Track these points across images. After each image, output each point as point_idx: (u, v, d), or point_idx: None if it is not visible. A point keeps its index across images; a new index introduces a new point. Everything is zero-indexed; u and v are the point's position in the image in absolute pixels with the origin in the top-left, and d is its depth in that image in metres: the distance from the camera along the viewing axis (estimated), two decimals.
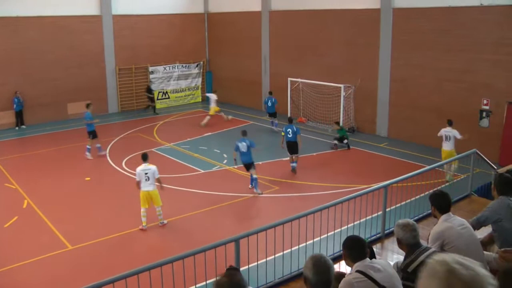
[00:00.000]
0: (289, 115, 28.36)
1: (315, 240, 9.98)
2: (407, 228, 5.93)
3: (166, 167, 21.36)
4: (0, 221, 16.34)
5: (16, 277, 12.78)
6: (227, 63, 35.06)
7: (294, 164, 20.25)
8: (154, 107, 33.55)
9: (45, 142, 26.09)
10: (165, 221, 15.64)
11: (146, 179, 15.13)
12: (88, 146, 23.15)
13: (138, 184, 15.30)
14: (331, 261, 4.60)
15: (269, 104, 27.26)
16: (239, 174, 20.23)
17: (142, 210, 15.26)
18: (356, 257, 5.30)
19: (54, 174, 21.04)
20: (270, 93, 28.41)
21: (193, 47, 35.97)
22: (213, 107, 28.42)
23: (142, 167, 15.23)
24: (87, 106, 23.48)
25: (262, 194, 17.97)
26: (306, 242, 9.52)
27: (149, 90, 33.58)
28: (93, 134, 23.23)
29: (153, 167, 15.27)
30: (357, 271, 5.17)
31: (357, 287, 5.04)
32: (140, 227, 15.29)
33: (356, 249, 5.33)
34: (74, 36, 31.06)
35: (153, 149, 24.11)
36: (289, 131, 19.96)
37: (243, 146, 18.13)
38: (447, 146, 18.25)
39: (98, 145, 23.51)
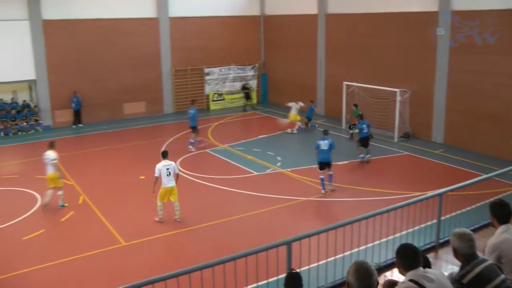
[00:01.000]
0: (343, 119, 28.24)
1: (367, 246, 9.94)
2: (464, 237, 5.77)
3: (220, 168, 21.61)
4: (57, 215, 16.91)
5: (70, 270, 13.13)
6: (282, 66, 35.08)
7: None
8: (250, 104, 35.06)
9: (101, 141, 26.74)
10: (162, 218, 16.11)
11: (167, 174, 15.69)
12: (191, 140, 24.85)
13: (156, 179, 15.80)
14: (373, 268, 4.59)
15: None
16: (292, 177, 20.26)
17: (159, 204, 15.93)
18: (410, 265, 5.19)
19: (109, 172, 21.54)
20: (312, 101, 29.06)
21: (248, 49, 36.17)
22: (293, 115, 28.21)
23: (163, 163, 15.83)
24: (192, 102, 26.08)
25: (335, 190, 18.47)
26: (359, 247, 9.51)
27: (244, 87, 34.96)
28: (195, 129, 24.74)
29: (173, 163, 16.00)
30: (410, 280, 5.07)
31: None
32: (157, 219, 15.99)
33: (409, 257, 5.22)
34: (131, 38, 31.73)
35: (207, 150, 24.39)
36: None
37: (324, 144, 18.31)
38: None
39: (198, 139, 25.18)
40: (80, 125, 30.43)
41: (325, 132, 18.95)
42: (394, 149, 24.26)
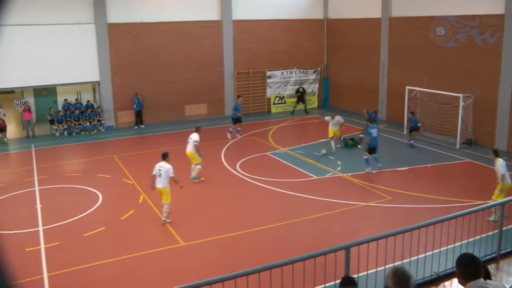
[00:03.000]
0: (405, 124, 27.76)
1: (427, 254, 9.77)
2: None
3: (280, 171, 21.59)
4: (118, 213, 17.25)
5: (129, 267, 13.39)
6: (344, 70, 34.80)
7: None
8: (305, 108, 35.24)
9: (162, 142, 27.04)
10: (169, 220, 16.23)
11: (159, 175, 16.00)
12: (231, 129, 27.72)
13: (152, 178, 16.17)
14: (410, 273, 4.62)
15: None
16: (352, 182, 20.09)
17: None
18: (470, 276, 5.07)
19: None
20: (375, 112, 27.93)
21: (311, 52, 36.03)
22: (331, 130, 24.66)
23: (159, 164, 16.22)
24: (238, 97, 29.44)
25: (381, 166, 21.21)
26: (418, 255, 9.35)
27: (298, 91, 35.04)
28: (236, 121, 27.83)
29: (167, 166, 16.10)
30: None
31: None
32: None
33: (470, 267, 5.11)
34: (194, 41, 32.12)
35: (267, 153, 24.42)
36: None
37: (375, 132, 21.35)
38: None
39: (239, 128, 27.84)
40: (142, 126, 31.01)
41: (372, 121, 22.69)
42: (456, 156, 23.69)
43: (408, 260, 8.84)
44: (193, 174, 20.39)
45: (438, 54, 27.05)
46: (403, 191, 18.80)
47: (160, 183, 15.99)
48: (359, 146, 25.08)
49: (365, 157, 21.29)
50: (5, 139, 28.06)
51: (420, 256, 9.37)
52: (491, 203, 12.90)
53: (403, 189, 19.05)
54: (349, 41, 33.99)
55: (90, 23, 29.49)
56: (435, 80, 26.79)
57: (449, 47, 26.39)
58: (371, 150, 21.34)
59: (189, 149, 20.19)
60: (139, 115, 31.06)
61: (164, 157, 16.43)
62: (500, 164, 15.35)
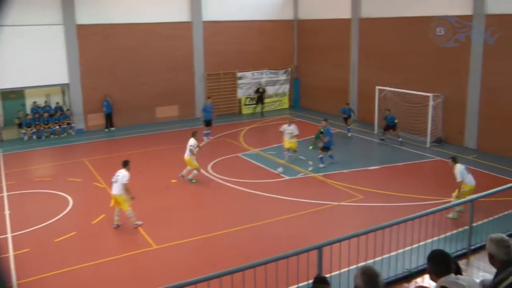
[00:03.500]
0: (375, 123, 27.98)
1: (398, 251, 9.82)
2: (501, 243, 5.60)
3: (252, 172, 21.60)
4: (89, 217, 17.05)
5: (101, 272, 13.25)
6: (315, 70, 34.95)
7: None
8: (261, 110, 34.72)
9: (132, 144, 26.89)
10: (139, 222, 16.18)
11: (115, 182, 15.94)
12: (204, 132, 27.32)
13: (112, 184, 16.17)
14: (379, 271, 4.73)
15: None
16: (324, 182, 20.16)
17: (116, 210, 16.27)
18: (441, 272, 5.15)
19: (141, 175, 21.58)
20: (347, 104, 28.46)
21: (281, 53, 36.12)
22: (286, 142, 22.75)
23: (119, 171, 16.12)
24: (207, 98, 29.04)
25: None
26: (389, 253, 9.41)
27: (257, 91, 34.60)
28: (207, 123, 27.42)
29: (123, 173, 15.92)
30: (441, 286, 5.03)
31: None
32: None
33: (441, 263, 5.19)
34: (165, 42, 31.95)
35: (239, 154, 24.41)
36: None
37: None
38: None
39: (208, 131, 27.48)
40: (112, 128, 30.74)
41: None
42: (426, 154, 23.96)
43: (381, 258, 8.91)
44: (190, 176, 20.57)
45: (408, 54, 27.31)
46: (375, 190, 18.95)
47: (116, 190, 15.86)
48: (311, 147, 25.16)
49: (320, 155, 22.18)
50: None
51: (392, 253, 9.43)
52: (458, 201, 13.09)
53: (375, 187, 19.21)
54: (320, 41, 34.15)
55: (59, 24, 29.05)
56: (406, 79, 27.04)
57: (419, 47, 26.70)
58: (326, 148, 22.26)
59: (186, 155, 20.39)
60: (109, 118, 30.76)
61: (124, 164, 16.25)
62: (458, 170, 15.74)
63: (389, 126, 25.83)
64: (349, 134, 27.43)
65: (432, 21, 25.52)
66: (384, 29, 28.91)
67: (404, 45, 27.57)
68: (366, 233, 8.53)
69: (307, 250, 7.90)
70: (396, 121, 25.64)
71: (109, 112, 30.59)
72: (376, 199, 18.09)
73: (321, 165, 21.96)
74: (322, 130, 22.88)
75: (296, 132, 22.57)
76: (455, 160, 16.18)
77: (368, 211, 17.07)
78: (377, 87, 27.99)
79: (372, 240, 8.59)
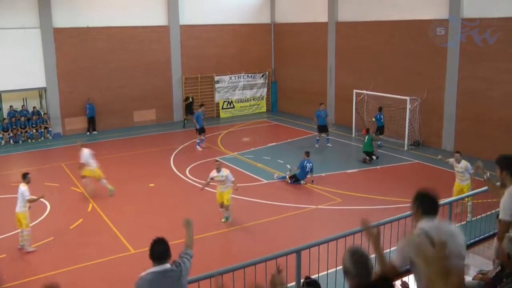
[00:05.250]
0: (353, 126, 28.10)
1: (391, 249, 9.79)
2: None
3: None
4: (66, 222, 16.96)
5: (79, 277, 13.15)
6: (292, 74, 35.08)
7: None
8: (185, 119, 32.74)
9: (111, 148, 26.81)
10: (31, 249, 14.77)
11: (18, 198, 14.74)
12: (197, 140, 26.48)
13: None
14: (367, 252, 4.66)
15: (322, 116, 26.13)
16: (302, 185, 20.23)
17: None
18: (429, 210, 5.24)
19: (119, 179, 21.51)
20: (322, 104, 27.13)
21: (259, 57, 36.21)
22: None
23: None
24: (200, 106, 27.67)
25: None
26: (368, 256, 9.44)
27: (186, 99, 33.10)
28: (201, 130, 26.32)
29: (21, 188, 14.66)
30: (423, 231, 5.06)
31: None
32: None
33: (428, 202, 5.31)
34: (142, 46, 31.90)
35: (217, 158, 24.38)
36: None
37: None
38: None
39: (203, 138, 26.54)
40: (95, 132, 30.60)
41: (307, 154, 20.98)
42: (404, 157, 24.15)
43: None
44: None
45: (385, 57, 27.52)
46: (353, 193, 19.06)
47: (17, 207, 14.73)
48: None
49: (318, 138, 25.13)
50: None
51: (371, 256, 9.42)
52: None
53: (353, 191, 19.32)
54: (297, 45, 34.29)
55: (35, 28, 28.88)
56: (383, 83, 27.25)
57: (395, 51, 26.94)
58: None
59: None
60: (91, 121, 30.64)
61: (23, 177, 14.90)
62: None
63: (379, 127, 26.04)
64: (329, 144, 26.55)
65: (411, 24, 25.82)
66: (361, 32, 29.13)
67: (381, 49, 27.78)
68: (344, 236, 8.57)
69: (286, 254, 7.92)
70: (382, 121, 25.86)
71: (92, 116, 30.46)
72: (354, 202, 18.18)
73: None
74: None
75: (230, 178, 16.65)
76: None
77: (346, 214, 17.12)
78: (354, 90, 28.17)
79: (350, 243, 8.60)
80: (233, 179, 16.58)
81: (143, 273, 6.48)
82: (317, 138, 26.12)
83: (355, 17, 29.41)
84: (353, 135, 28.02)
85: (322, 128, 26.04)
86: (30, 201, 14.79)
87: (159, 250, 6.51)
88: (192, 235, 6.58)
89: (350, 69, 29.99)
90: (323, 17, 31.63)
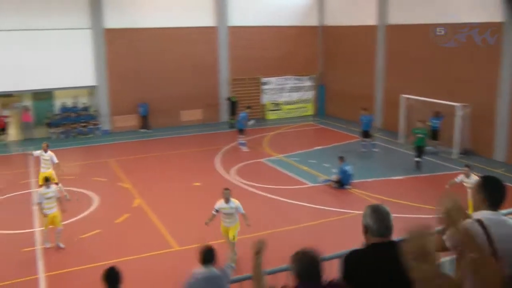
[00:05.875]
0: (399, 132, 27.65)
1: None
2: None
3: (274, 178, 21.62)
4: (112, 216, 17.34)
5: (122, 270, 13.43)
6: (340, 77, 34.80)
7: None
8: (231, 120, 32.68)
9: (158, 147, 27.33)
10: (62, 245, 14.94)
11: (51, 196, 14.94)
12: (241, 141, 26.42)
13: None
14: (388, 208, 4.53)
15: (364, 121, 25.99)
16: (347, 190, 20.08)
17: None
18: (497, 201, 4.41)
19: (165, 177, 21.90)
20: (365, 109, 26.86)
21: (306, 59, 36.08)
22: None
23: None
24: (247, 108, 28.23)
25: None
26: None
27: (229, 99, 33.34)
28: (242, 132, 26.42)
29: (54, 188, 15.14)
30: (479, 222, 4.26)
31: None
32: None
33: (499, 191, 4.44)
34: (190, 47, 32.23)
35: (262, 160, 24.46)
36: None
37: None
38: None
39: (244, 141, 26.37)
40: (148, 130, 31.12)
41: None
42: (453, 166, 23.57)
43: None
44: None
45: (435, 62, 26.98)
46: (398, 200, 18.70)
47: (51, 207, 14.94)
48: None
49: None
50: (5, 141, 28.05)
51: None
52: None
53: (398, 198, 18.94)
54: (345, 48, 34.01)
55: (87, 28, 29.65)
56: (432, 88, 26.69)
57: (446, 55, 26.32)
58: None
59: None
60: (145, 120, 31.22)
61: (46, 180, 15.32)
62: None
63: (433, 132, 25.29)
64: (376, 149, 26.31)
65: (462, 27, 25.30)
66: (411, 36, 28.59)
67: (431, 53, 27.25)
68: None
69: (329, 259, 7.88)
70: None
71: (145, 114, 31.08)
72: (399, 210, 17.80)
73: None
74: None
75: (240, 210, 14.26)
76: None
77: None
78: (402, 95, 27.73)
79: None
80: (243, 212, 13.92)
81: (194, 273, 7.68)
82: (362, 143, 25.93)
83: (406, 19, 28.85)
84: (400, 141, 27.54)
85: (365, 134, 25.87)
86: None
87: (208, 256, 7.89)
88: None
89: (399, 73, 29.50)
90: (373, 20, 31.24)
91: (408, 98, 27.62)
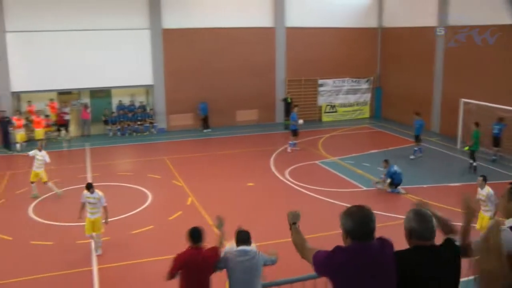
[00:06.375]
0: (459, 138, 26.89)
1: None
2: None
3: (328, 180, 21.42)
4: (165, 213, 17.54)
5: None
6: (398, 80, 34.18)
7: None
8: (286, 122, 31.63)
9: (212, 146, 27.65)
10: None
11: (93, 202, 14.45)
12: (290, 142, 26.14)
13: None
14: (430, 212, 4.68)
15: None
16: (402, 195, 19.72)
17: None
18: None
19: (219, 176, 22.00)
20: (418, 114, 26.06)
21: (364, 61, 35.62)
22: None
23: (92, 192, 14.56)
24: (295, 106, 27.89)
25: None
26: (467, 277, 8.81)
27: (285, 100, 32.86)
28: (294, 133, 26.10)
29: (99, 194, 14.54)
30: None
31: None
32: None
33: None
34: (247, 47, 32.34)
35: (316, 162, 24.28)
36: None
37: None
38: None
39: (295, 142, 26.16)
40: (208, 130, 31.35)
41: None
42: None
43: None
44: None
45: (499, 64, 26.06)
46: (454, 208, 18.11)
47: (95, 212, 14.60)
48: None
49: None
50: (67, 137, 28.80)
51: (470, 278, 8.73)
52: None
53: (455, 206, 18.33)
54: (404, 50, 33.33)
55: (146, 29, 30.19)
56: (494, 93, 25.78)
57: (509, 57, 25.51)
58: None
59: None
60: (205, 119, 31.47)
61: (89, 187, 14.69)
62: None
63: (495, 138, 24.34)
64: (418, 155, 25.35)
65: None
66: (473, 37, 27.59)
67: (495, 55, 26.27)
68: None
69: None
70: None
71: (205, 114, 31.35)
72: (455, 217, 17.31)
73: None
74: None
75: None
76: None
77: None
78: (462, 100, 26.96)
79: None
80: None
81: (229, 250, 8.53)
82: (414, 148, 25.34)
83: (467, 21, 27.98)
84: (458, 147, 26.81)
85: (416, 138, 25.39)
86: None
87: (243, 236, 9.10)
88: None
89: (459, 77, 28.71)
90: (433, 21, 30.45)
91: (467, 103, 26.76)
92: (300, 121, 25.78)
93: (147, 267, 13.56)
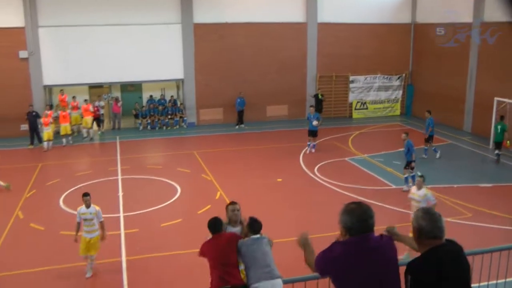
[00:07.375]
0: (491, 137, 26.37)
1: (498, 282, 8.93)
2: None
3: (357, 177, 21.33)
4: (195, 207, 17.69)
5: (201, 260, 13.63)
6: (430, 77, 33.70)
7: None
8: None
9: (242, 141, 27.78)
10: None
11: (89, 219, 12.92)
12: (313, 143, 25.30)
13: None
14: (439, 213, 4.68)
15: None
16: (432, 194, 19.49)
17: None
18: None
19: (248, 171, 22.10)
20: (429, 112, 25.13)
21: (396, 58, 35.21)
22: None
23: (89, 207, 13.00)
24: (310, 106, 27.39)
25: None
26: (488, 281, 8.64)
27: (315, 96, 32.52)
28: (313, 133, 25.16)
29: (96, 209, 12.97)
30: None
31: None
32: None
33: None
34: (278, 42, 32.27)
35: (346, 159, 24.17)
36: None
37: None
38: None
39: (314, 143, 25.27)
40: (242, 125, 31.37)
41: None
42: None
43: (494, 282, 8.32)
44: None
45: None
46: (485, 209, 17.90)
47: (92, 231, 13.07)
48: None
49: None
50: (100, 132, 29.24)
51: (490, 282, 8.56)
52: None
53: (485, 207, 18.07)
54: (437, 47, 32.81)
55: (177, 23, 30.40)
56: None
57: None
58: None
59: None
60: (240, 115, 31.49)
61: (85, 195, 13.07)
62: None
63: None
64: (438, 155, 24.60)
65: None
66: (508, 35, 27.00)
67: None
68: (470, 254, 7.98)
69: (404, 264, 7.64)
70: None
71: (241, 109, 31.32)
72: (485, 219, 17.06)
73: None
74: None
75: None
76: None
77: (474, 231, 16.10)
78: (496, 98, 26.49)
79: (479, 263, 7.92)
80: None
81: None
82: (432, 148, 24.91)
83: (503, 17, 27.25)
84: (490, 147, 26.32)
85: (430, 138, 24.66)
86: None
87: (258, 228, 9.30)
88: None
89: (493, 75, 28.17)
90: (467, 17, 29.74)
91: (501, 102, 26.28)
92: (315, 122, 25.34)
93: (174, 260, 13.73)
